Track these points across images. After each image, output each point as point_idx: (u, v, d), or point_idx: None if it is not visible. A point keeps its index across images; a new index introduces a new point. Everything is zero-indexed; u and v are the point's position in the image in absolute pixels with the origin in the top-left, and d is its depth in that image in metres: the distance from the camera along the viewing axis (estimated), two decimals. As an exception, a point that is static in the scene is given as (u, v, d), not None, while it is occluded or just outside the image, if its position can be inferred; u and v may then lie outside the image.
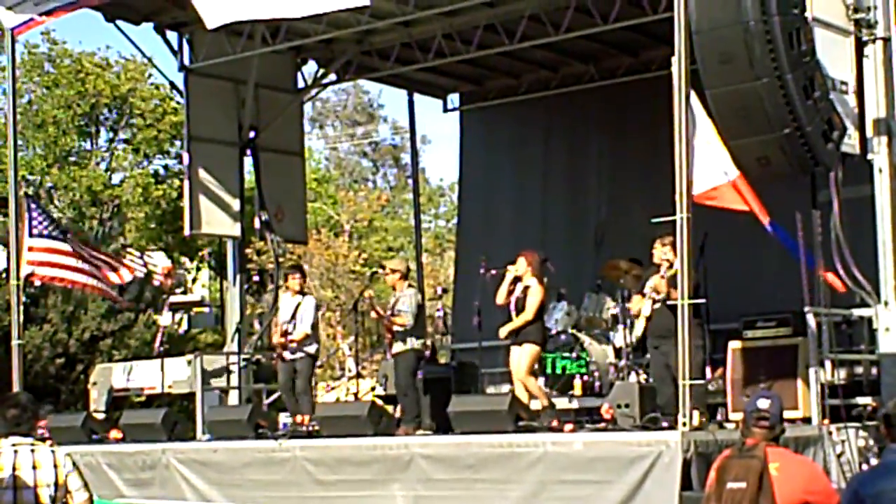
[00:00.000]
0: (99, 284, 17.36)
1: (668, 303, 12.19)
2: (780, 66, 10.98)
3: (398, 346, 14.53)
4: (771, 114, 11.10)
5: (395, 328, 14.43)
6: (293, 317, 15.08)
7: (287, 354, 15.10)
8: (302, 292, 15.39)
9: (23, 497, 7.43)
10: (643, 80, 18.29)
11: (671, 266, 12.24)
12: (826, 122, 11.45)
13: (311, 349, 15.20)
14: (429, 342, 15.93)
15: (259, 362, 18.64)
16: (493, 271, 14.53)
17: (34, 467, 7.50)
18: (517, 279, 13.65)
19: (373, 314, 14.88)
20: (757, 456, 7.02)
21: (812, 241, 12.39)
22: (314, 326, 15.29)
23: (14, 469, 7.47)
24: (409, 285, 14.85)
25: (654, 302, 12.66)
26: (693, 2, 11.15)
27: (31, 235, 16.70)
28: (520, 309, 13.46)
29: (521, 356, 13.41)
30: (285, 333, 15.09)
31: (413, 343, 14.49)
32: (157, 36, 18.70)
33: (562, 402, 14.72)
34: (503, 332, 13.50)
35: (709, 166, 11.41)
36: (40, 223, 16.96)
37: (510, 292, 13.57)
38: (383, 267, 15.65)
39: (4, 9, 15.85)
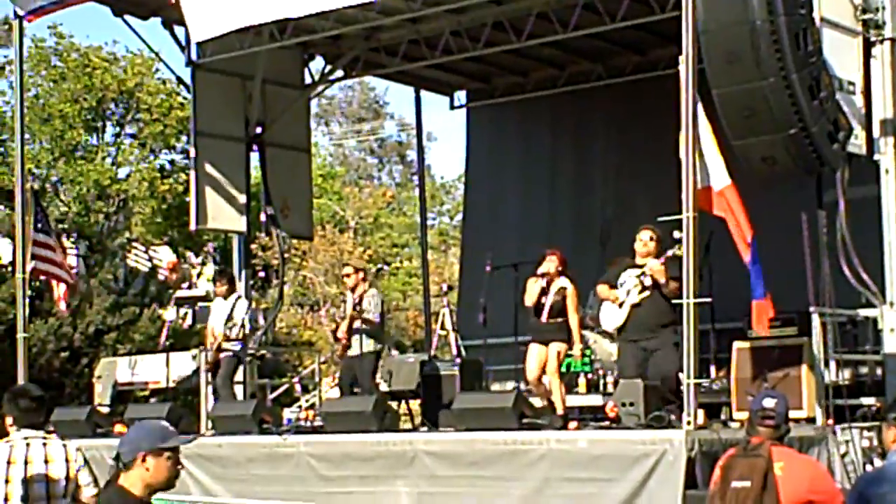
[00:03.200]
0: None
1: (666, 293, 12.21)
2: (786, 66, 10.97)
3: (366, 346, 14.93)
4: (777, 114, 11.09)
5: (362, 327, 14.79)
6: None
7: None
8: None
9: (34, 491, 7.44)
10: (650, 78, 18.29)
11: (671, 255, 12.12)
12: (832, 122, 11.44)
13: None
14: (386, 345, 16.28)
15: (263, 357, 18.65)
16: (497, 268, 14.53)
17: (46, 461, 7.51)
18: (548, 277, 13.29)
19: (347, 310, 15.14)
20: (762, 455, 7.04)
21: (817, 241, 12.39)
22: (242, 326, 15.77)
23: (26, 462, 7.48)
24: (371, 285, 15.12)
25: (643, 289, 12.51)
26: (700, 1, 11.15)
27: (35, 230, 16.75)
28: (556, 311, 13.16)
29: (550, 355, 13.12)
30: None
31: (376, 345, 15.03)
32: (164, 31, 18.71)
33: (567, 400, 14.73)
34: (576, 350, 13.33)
35: (704, 170, 11.42)
36: (42, 219, 17.02)
37: (544, 292, 13.20)
38: (349, 265, 16.00)
39: None
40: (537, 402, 13.35)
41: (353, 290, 15.18)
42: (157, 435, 5.59)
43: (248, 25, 15.20)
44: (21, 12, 16.05)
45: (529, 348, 13.28)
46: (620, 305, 12.57)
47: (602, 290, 12.88)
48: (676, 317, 11.96)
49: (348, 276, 15.40)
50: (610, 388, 14.82)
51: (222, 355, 15.59)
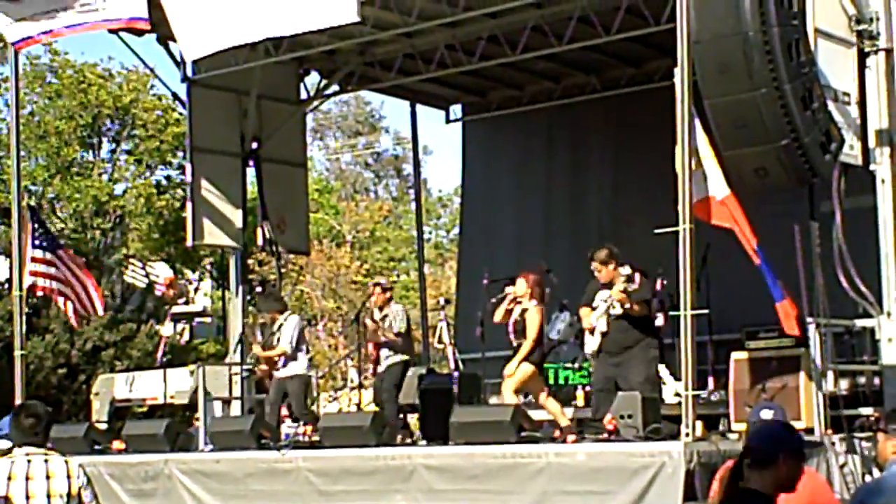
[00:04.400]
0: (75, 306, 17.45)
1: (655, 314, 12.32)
2: (778, 77, 11.00)
3: (394, 358, 15.03)
4: (769, 124, 11.11)
5: (389, 341, 14.93)
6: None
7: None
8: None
9: None
10: (646, 90, 18.29)
11: (629, 280, 12.26)
12: (824, 133, 11.45)
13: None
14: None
15: (262, 372, 18.63)
16: (495, 282, 14.55)
17: (48, 477, 7.49)
18: (516, 300, 13.60)
19: (369, 324, 15.09)
20: (760, 467, 7.01)
21: (811, 253, 12.39)
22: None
23: (27, 478, 7.45)
24: (395, 302, 15.42)
25: (610, 317, 12.62)
26: (693, 12, 11.17)
27: (33, 247, 16.73)
28: (518, 331, 13.34)
29: (514, 373, 13.40)
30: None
31: (401, 356, 15.15)
32: (159, 47, 18.73)
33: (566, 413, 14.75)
34: (508, 370, 13.36)
35: (703, 181, 11.44)
36: (40, 234, 17.00)
37: (508, 311, 13.45)
38: (378, 284, 15.85)
39: (8, 23, 15.84)
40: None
41: (380, 308, 15.30)
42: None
43: (239, 44, 15.21)
44: (10, 40, 16.01)
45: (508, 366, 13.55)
46: (592, 332, 12.68)
47: (583, 312, 13.00)
48: (642, 335, 12.44)
49: (372, 293, 15.56)
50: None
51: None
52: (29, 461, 7.50)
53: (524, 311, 13.31)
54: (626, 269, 12.23)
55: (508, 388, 13.26)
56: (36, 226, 17.01)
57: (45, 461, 7.53)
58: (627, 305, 12.43)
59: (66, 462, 7.61)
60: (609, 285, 12.67)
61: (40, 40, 16.01)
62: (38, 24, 15.50)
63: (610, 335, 12.64)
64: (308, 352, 16.07)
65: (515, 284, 13.61)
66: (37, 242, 16.87)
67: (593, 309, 12.76)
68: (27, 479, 7.44)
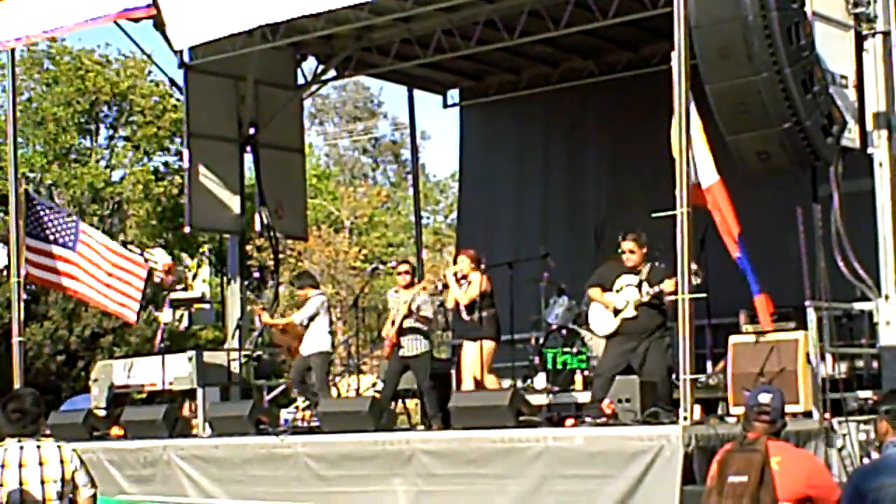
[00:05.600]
0: (103, 301, 17.35)
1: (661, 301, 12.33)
2: (778, 61, 10.98)
3: (422, 347, 14.55)
4: (770, 108, 11.10)
5: (420, 327, 14.50)
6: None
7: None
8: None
9: (30, 493, 7.43)
10: (643, 74, 18.29)
11: (696, 274, 11.99)
12: (826, 116, 11.44)
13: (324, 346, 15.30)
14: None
15: (259, 358, 18.65)
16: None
17: (40, 463, 7.50)
18: (464, 278, 13.66)
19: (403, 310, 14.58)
20: (758, 450, 7.03)
21: (813, 235, 12.39)
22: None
23: (20, 465, 7.46)
24: (424, 288, 14.97)
25: (642, 304, 12.60)
26: (692, -3, 11.15)
27: (28, 235, 16.72)
28: (473, 307, 13.59)
29: (477, 354, 13.41)
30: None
31: (429, 344, 14.66)
32: (156, 33, 18.67)
33: (564, 397, 14.75)
34: (470, 355, 13.36)
35: (695, 167, 11.43)
36: (34, 223, 16.97)
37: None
38: (405, 263, 15.13)
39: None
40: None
41: (406, 287, 14.73)
42: None
43: (231, 34, 15.07)
44: (1, 39, 15.93)
45: (465, 346, 13.79)
46: (616, 313, 12.60)
47: (594, 293, 12.90)
48: (664, 320, 12.42)
49: (404, 273, 14.78)
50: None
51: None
52: (21, 447, 7.51)
53: (468, 283, 13.48)
54: (693, 265, 11.88)
55: (478, 369, 13.44)
56: (30, 213, 16.97)
57: (38, 447, 7.54)
58: (670, 298, 12.33)
59: (59, 447, 7.62)
60: (635, 270, 12.64)
61: (30, 39, 15.93)
62: (31, 23, 15.41)
63: (636, 319, 12.59)
64: (331, 331, 15.79)
65: (457, 264, 14.03)
66: (31, 231, 16.84)
67: (616, 291, 12.69)
68: (20, 466, 7.45)
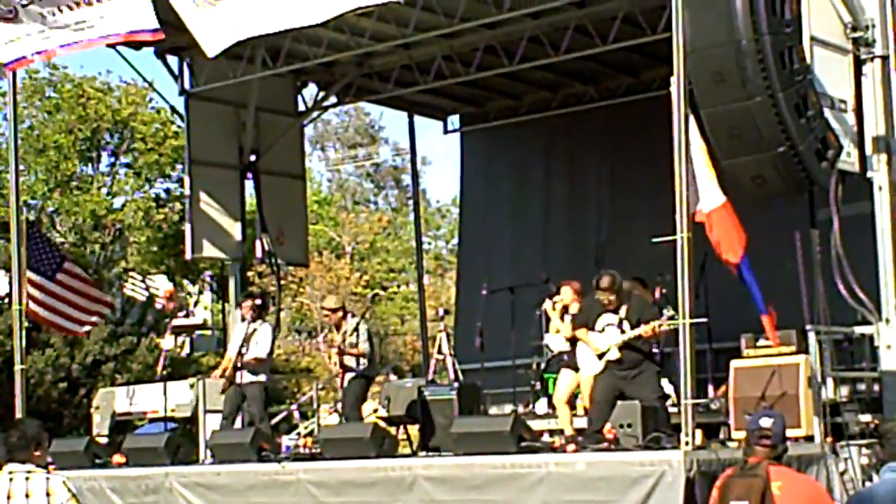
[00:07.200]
0: (66, 324, 17.36)
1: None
2: (771, 85, 11.03)
3: (349, 375, 14.89)
4: (764, 132, 11.14)
5: (355, 357, 14.76)
6: (245, 342, 15.14)
7: (238, 377, 15.13)
8: (258, 318, 15.42)
9: None
10: (643, 99, 18.32)
11: (672, 319, 11.96)
12: (820, 140, 11.47)
13: (262, 378, 15.27)
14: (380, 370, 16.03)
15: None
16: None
17: (27, 496, 7.45)
18: (566, 308, 13.54)
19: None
20: (759, 475, 7.03)
21: (811, 259, 12.40)
22: (269, 354, 15.34)
23: (8, 497, 7.43)
24: (353, 316, 15.10)
25: (623, 347, 12.46)
26: (688, 21, 11.19)
27: (28, 268, 16.73)
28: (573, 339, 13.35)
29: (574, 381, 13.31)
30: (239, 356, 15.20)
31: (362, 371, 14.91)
32: (157, 60, 18.76)
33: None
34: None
35: (701, 190, 11.44)
36: (37, 254, 16.99)
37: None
38: (327, 308, 15.46)
39: (2, 43, 15.72)
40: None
41: (337, 327, 15.10)
42: None
43: (260, 34, 14.82)
44: (3, 61, 15.91)
45: (563, 374, 13.55)
46: (600, 357, 12.45)
47: (581, 334, 12.75)
48: (649, 350, 12.26)
49: (328, 316, 15.33)
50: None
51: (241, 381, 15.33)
52: (11, 479, 7.48)
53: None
54: (669, 311, 11.87)
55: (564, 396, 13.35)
56: (32, 245, 16.97)
57: (27, 479, 7.50)
58: (650, 337, 12.24)
59: (47, 479, 7.57)
60: (615, 310, 12.42)
61: (34, 60, 15.92)
62: (32, 44, 15.40)
63: (620, 359, 12.32)
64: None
65: (561, 293, 13.89)
66: (32, 264, 16.85)
67: (598, 331, 12.51)
68: (8, 497, 7.42)
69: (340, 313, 15.05)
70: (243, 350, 15.04)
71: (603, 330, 12.35)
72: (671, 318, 11.58)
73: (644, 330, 11.99)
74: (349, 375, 14.90)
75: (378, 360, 15.40)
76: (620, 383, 12.27)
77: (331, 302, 15.65)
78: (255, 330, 15.17)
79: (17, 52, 15.46)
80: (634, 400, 12.05)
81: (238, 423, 15.76)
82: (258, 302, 15.45)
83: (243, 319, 15.36)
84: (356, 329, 14.80)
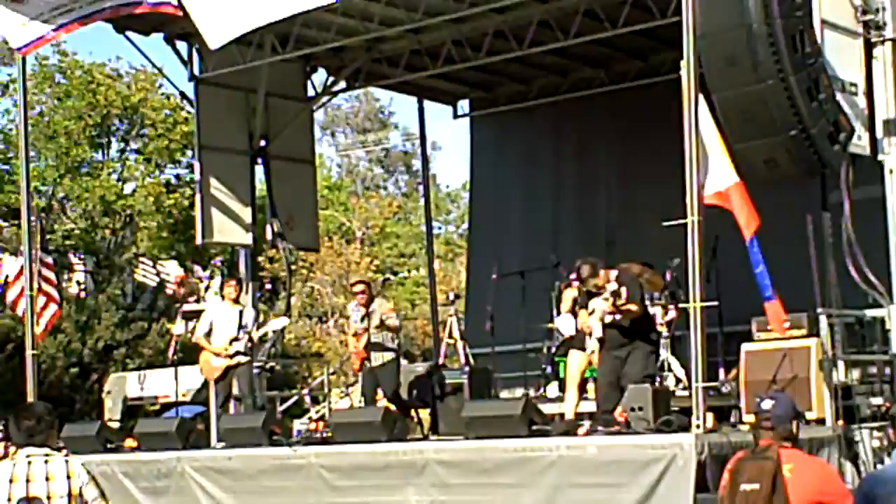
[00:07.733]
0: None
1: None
2: (783, 69, 11.01)
3: (387, 356, 14.86)
4: (776, 116, 11.13)
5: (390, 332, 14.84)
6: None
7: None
8: (238, 300, 15.69)
9: None
10: (653, 83, 18.29)
11: (615, 294, 12.16)
12: (832, 123, 11.46)
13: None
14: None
15: (273, 369, 18.68)
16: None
17: (47, 479, 7.47)
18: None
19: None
20: (770, 457, 7.03)
21: (823, 242, 12.39)
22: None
23: (27, 480, 7.45)
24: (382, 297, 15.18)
25: (605, 326, 12.58)
26: (698, 5, 11.18)
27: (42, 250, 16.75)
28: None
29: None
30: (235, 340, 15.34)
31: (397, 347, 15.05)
32: (167, 46, 18.76)
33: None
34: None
35: (714, 170, 11.43)
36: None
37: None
38: (357, 283, 15.59)
39: (12, 28, 15.71)
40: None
41: (365, 306, 15.08)
42: None
43: (263, 24, 14.79)
44: (15, 46, 15.91)
45: (572, 355, 13.45)
46: (590, 335, 12.61)
47: (582, 315, 12.89)
48: (639, 331, 12.37)
49: (362, 292, 15.20)
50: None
51: (240, 365, 15.44)
52: (29, 463, 7.50)
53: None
54: (613, 285, 12.15)
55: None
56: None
57: (46, 462, 7.52)
58: (618, 316, 12.35)
59: (67, 461, 7.59)
60: (600, 292, 12.57)
61: (51, 39, 15.86)
62: (45, 25, 15.37)
63: (609, 334, 12.56)
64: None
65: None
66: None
67: (590, 313, 12.68)
68: (27, 481, 7.44)
69: (369, 292, 15.09)
70: (253, 332, 15.20)
71: (593, 311, 12.47)
72: (613, 293, 11.80)
73: (600, 310, 12.14)
74: (386, 356, 14.86)
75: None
76: (617, 363, 12.35)
77: (361, 282, 15.64)
78: (241, 310, 15.46)
79: (29, 34, 15.44)
80: (625, 382, 12.11)
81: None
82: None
83: (223, 300, 15.52)
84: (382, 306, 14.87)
